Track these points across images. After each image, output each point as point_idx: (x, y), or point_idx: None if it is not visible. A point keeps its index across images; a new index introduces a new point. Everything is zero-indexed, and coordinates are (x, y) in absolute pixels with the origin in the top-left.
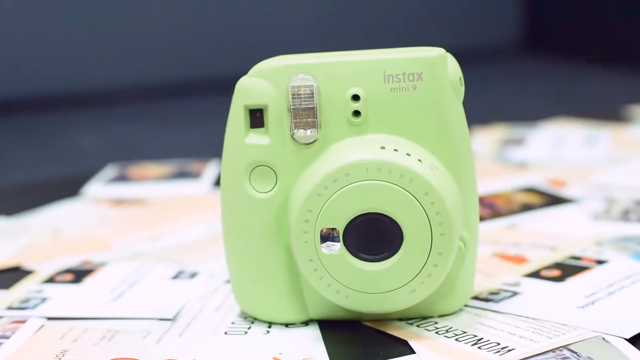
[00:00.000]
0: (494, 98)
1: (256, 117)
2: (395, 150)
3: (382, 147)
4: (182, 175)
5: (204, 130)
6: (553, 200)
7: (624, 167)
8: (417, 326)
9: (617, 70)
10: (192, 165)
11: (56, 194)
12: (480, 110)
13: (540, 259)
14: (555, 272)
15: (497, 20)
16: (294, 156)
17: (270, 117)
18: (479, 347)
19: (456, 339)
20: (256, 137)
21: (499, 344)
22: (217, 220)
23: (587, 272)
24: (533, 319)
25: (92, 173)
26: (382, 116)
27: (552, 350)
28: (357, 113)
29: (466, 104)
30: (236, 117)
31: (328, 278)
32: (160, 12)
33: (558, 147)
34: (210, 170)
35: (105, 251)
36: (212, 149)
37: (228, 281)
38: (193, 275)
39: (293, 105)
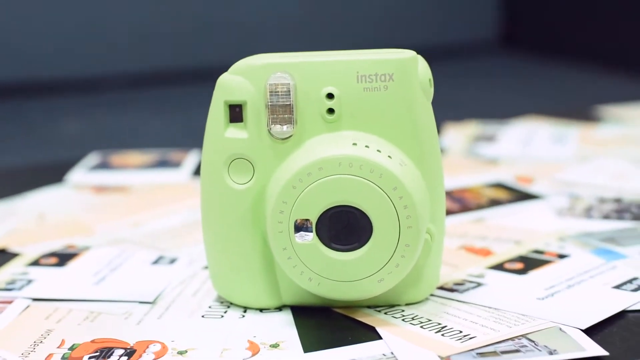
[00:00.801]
0: (468, 94)
1: (235, 112)
2: (366, 146)
3: (354, 144)
4: (163, 163)
5: (185, 119)
6: (520, 196)
7: (589, 166)
8: (385, 313)
9: (589, 70)
10: (173, 155)
11: (40, 180)
12: (454, 105)
13: (504, 252)
14: (518, 265)
15: (474, 17)
16: (270, 150)
17: (248, 113)
18: (443, 335)
19: (421, 326)
20: (235, 131)
21: (461, 331)
22: (196, 208)
23: (548, 265)
24: (495, 309)
25: (75, 160)
26: (355, 114)
27: (511, 339)
28: (331, 110)
29: (441, 99)
30: (216, 111)
31: (301, 266)
32: (147, 0)
33: (527, 144)
34: (190, 159)
35: (88, 236)
36: (193, 137)
37: (206, 267)
38: (173, 260)
39: (270, 102)
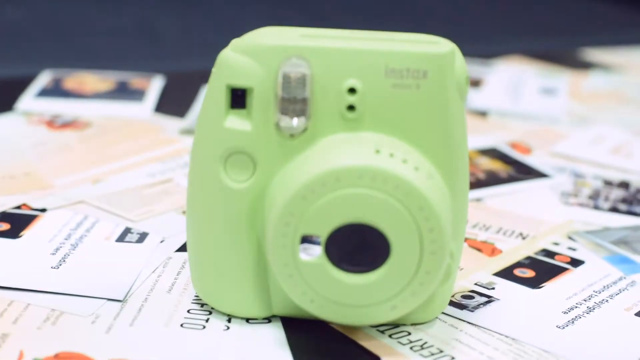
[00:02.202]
0: (435, 11)
1: (237, 96)
2: (391, 155)
3: (377, 151)
4: (122, 91)
5: (136, 10)
6: (518, 170)
7: (587, 135)
8: (390, 336)
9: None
10: (134, 81)
11: None
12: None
13: (511, 251)
14: (530, 273)
15: None
16: (277, 146)
17: (254, 101)
18: None
19: None
20: (236, 121)
21: None
22: (160, 162)
23: (562, 276)
24: (512, 339)
25: (24, 76)
26: (379, 114)
27: None
28: (352, 107)
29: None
30: (215, 95)
31: (303, 286)
32: None
33: (516, 95)
34: (152, 89)
35: (44, 191)
36: (146, 37)
37: (179, 250)
38: (141, 237)
39: (282, 92)
